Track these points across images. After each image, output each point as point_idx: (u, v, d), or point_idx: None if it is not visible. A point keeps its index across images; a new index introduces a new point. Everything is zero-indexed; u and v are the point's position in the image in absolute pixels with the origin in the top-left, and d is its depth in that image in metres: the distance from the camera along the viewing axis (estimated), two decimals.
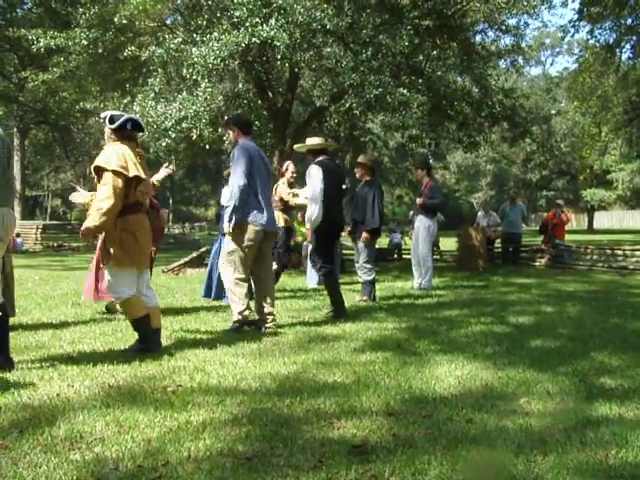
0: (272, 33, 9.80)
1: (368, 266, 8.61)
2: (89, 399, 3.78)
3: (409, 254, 10.41)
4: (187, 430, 3.27)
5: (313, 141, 7.55)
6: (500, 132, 18.59)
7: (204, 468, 2.81)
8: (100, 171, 5.01)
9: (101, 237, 5.45)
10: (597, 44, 20.60)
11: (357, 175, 9.08)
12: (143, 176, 5.13)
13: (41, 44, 12.82)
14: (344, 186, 8.81)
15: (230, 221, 6.09)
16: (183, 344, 5.45)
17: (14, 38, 19.97)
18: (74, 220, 36.06)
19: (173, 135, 11.00)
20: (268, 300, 6.38)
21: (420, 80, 12.16)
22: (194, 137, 10.99)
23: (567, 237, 16.51)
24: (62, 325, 6.47)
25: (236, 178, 6.05)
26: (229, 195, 6.21)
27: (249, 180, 6.08)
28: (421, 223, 10.03)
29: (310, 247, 8.74)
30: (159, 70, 12.01)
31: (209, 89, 11.32)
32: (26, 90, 23.72)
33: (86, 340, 5.64)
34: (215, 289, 8.06)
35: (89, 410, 3.56)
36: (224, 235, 6.72)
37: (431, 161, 46.30)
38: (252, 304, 6.42)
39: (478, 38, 15.34)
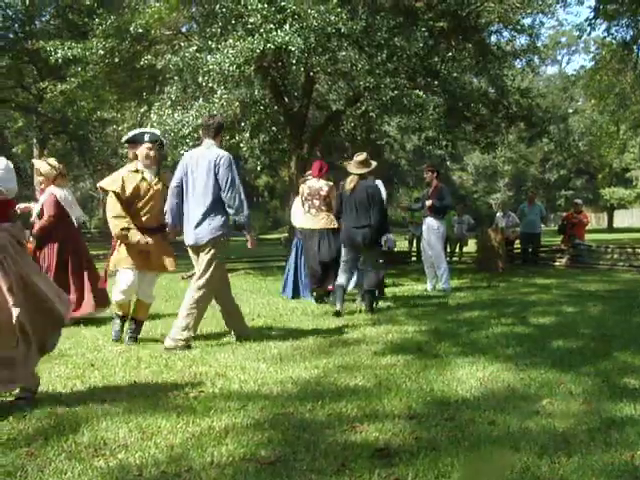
0: (287, 38, 9.81)
1: None
2: (112, 406, 3.81)
3: None
4: (210, 436, 3.29)
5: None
6: (517, 132, 18.48)
7: (227, 473, 2.83)
8: None
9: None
10: (614, 41, 20.36)
11: None
12: None
13: (59, 55, 12.93)
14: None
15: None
16: (204, 350, 5.48)
17: (33, 50, 20.19)
18: (94, 229, 36.33)
19: (190, 143, 11.03)
20: None
21: (436, 82, 12.12)
22: None
23: (587, 236, 16.36)
24: (82, 333, 6.53)
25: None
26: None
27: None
28: (430, 225, 9.99)
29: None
30: (175, 78, 12.07)
31: (225, 96, 11.35)
32: (45, 101, 23.90)
33: (107, 347, 5.69)
34: (293, 287, 9.20)
35: (112, 417, 3.59)
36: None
37: (448, 163, 46.19)
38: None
39: (493, 38, 15.29)
